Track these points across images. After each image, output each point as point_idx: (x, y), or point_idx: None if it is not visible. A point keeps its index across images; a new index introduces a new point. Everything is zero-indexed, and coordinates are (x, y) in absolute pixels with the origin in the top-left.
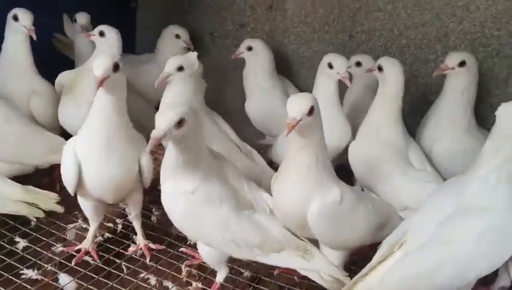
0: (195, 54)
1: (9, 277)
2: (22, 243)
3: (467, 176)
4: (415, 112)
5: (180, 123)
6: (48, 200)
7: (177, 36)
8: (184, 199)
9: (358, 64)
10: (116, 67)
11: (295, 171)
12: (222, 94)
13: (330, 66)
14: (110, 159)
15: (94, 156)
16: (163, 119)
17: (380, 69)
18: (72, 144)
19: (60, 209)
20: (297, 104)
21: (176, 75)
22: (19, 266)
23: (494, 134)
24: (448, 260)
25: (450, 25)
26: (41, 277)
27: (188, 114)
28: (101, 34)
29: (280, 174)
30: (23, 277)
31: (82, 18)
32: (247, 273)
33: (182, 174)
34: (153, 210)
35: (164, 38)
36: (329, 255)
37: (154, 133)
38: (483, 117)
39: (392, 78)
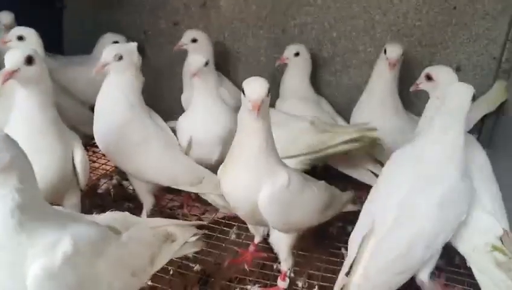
0: (135, 44)
1: None
2: None
3: (415, 147)
4: (348, 100)
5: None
6: None
7: (116, 43)
8: None
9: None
10: (29, 60)
11: (246, 157)
12: (158, 92)
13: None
14: (36, 159)
15: None
16: None
17: (429, 78)
18: None
19: None
20: (258, 86)
21: (113, 64)
22: None
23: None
24: (417, 236)
25: (376, 17)
26: None
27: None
28: (20, 38)
29: (229, 162)
30: None
31: (5, 17)
32: (197, 267)
33: None
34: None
35: (102, 45)
36: (281, 240)
37: None
38: (410, 103)
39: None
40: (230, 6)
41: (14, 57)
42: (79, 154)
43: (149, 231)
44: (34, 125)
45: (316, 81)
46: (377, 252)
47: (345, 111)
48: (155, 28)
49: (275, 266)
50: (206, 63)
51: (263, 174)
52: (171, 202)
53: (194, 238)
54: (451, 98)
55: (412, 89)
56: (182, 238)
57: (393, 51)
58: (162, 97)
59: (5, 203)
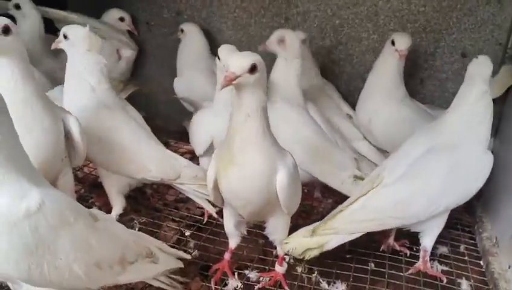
0: (86, 28)
1: None
2: None
3: (438, 119)
4: (352, 89)
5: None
6: None
7: (121, 19)
8: None
9: None
10: (6, 30)
11: (252, 142)
12: (161, 83)
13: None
14: (22, 133)
15: None
16: None
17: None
18: None
19: None
20: (239, 60)
21: (63, 42)
22: None
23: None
24: (421, 191)
25: (379, 3)
26: None
27: None
28: (17, 6)
29: (232, 153)
30: None
31: None
32: (195, 253)
33: None
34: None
35: (108, 21)
36: (279, 224)
37: None
38: (415, 91)
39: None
40: None
41: None
42: (74, 126)
43: (129, 234)
44: (17, 97)
45: (320, 69)
46: (381, 193)
47: (348, 100)
48: (158, 18)
49: (274, 252)
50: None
51: (275, 155)
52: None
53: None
54: (472, 69)
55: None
56: (163, 266)
57: (404, 43)
58: (164, 87)
59: None
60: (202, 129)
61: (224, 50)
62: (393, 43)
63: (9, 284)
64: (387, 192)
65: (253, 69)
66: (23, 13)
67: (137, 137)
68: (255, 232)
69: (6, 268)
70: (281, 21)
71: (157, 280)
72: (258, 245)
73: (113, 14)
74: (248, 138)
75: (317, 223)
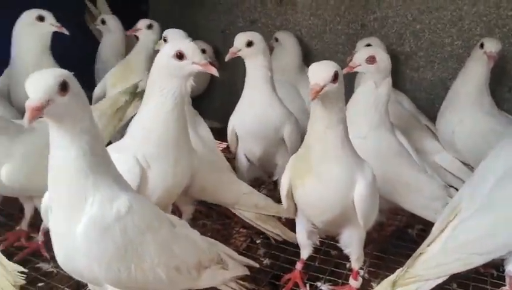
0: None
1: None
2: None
3: None
4: (432, 97)
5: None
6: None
7: (203, 51)
8: None
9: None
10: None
11: (331, 153)
12: (235, 93)
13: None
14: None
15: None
16: None
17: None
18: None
19: None
20: (321, 70)
21: (244, 50)
22: (34, 259)
23: None
24: (502, 222)
25: (464, 7)
26: (57, 270)
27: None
28: (103, 21)
29: (308, 164)
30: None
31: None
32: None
33: None
34: None
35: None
36: (354, 237)
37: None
38: (503, 99)
39: None
40: (308, 2)
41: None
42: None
43: (203, 241)
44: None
45: (397, 77)
46: (459, 229)
47: (428, 108)
48: (233, 27)
49: (347, 265)
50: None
51: (354, 166)
52: None
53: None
54: None
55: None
56: (232, 273)
57: (494, 45)
58: (238, 95)
59: (80, 145)
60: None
61: (171, 34)
62: (482, 46)
63: (90, 286)
64: (466, 227)
65: (336, 77)
66: (109, 28)
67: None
68: (328, 243)
69: (98, 272)
70: (357, 28)
71: (226, 285)
72: (330, 257)
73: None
74: (327, 149)
75: (398, 270)
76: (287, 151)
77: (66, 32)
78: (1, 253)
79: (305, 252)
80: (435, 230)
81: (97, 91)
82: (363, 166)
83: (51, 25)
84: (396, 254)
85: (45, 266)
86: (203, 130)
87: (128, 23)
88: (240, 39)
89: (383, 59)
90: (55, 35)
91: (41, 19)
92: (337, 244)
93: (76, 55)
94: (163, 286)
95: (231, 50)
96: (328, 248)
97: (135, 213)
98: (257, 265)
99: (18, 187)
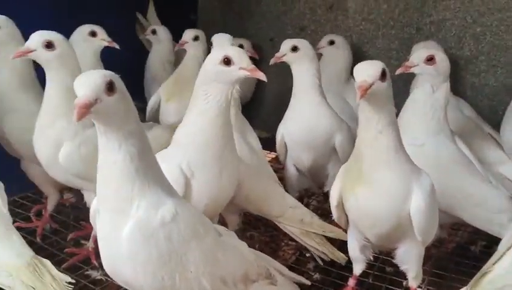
0: None
1: (75, 277)
2: (88, 245)
3: None
4: (495, 104)
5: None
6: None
7: (240, 46)
8: None
9: None
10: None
11: (383, 159)
12: (284, 102)
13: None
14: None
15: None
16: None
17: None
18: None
19: None
20: (368, 67)
21: (288, 55)
22: (83, 266)
23: None
24: None
25: None
26: (106, 278)
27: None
28: (153, 32)
29: (359, 172)
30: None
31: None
32: (316, 276)
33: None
34: None
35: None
36: (412, 253)
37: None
38: None
39: None
40: (359, 7)
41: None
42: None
43: (251, 253)
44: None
45: (456, 83)
46: None
47: (490, 116)
48: (281, 34)
49: (404, 283)
50: None
51: (409, 175)
52: None
53: None
54: None
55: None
56: (281, 289)
57: None
58: (286, 103)
59: (127, 148)
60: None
61: (217, 39)
62: None
63: None
64: None
65: (383, 75)
66: (158, 38)
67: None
68: (382, 258)
69: (143, 279)
70: (412, 32)
71: None
72: (385, 273)
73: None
74: (379, 156)
75: None
76: (339, 160)
77: (117, 46)
78: (50, 262)
79: (358, 268)
80: (501, 247)
81: (151, 104)
82: (420, 175)
83: (102, 40)
84: (458, 272)
85: (94, 274)
86: (251, 138)
87: (177, 33)
88: (286, 44)
89: (443, 60)
90: (106, 47)
91: (93, 34)
92: (393, 260)
93: (126, 66)
94: None
95: (276, 55)
96: (382, 264)
97: (180, 220)
98: (308, 282)
99: (73, 170)
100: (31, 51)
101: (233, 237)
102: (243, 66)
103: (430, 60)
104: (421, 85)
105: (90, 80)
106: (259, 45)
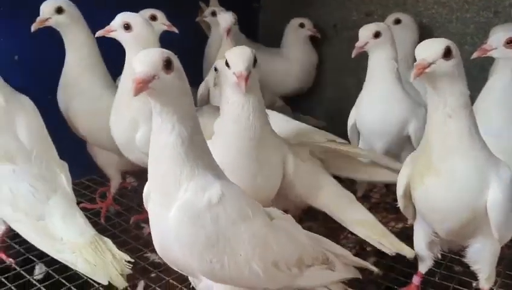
0: None
1: (134, 258)
2: (147, 228)
3: None
4: None
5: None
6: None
7: (301, 25)
8: None
9: None
10: (255, 61)
11: (455, 146)
12: (343, 92)
13: None
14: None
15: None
16: None
17: None
18: None
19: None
20: (429, 45)
21: (371, 41)
22: (143, 249)
23: None
24: None
25: None
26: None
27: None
28: (213, 13)
29: (428, 160)
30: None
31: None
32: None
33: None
34: None
35: (288, 30)
36: (486, 252)
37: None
38: None
39: None
40: None
41: (248, 59)
42: (291, 166)
43: (305, 236)
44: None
45: None
46: None
47: None
48: (345, 21)
49: (474, 284)
50: None
51: (485, 164)
52: None
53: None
54: None
55: None
56: (340, 275)
57: None
58: (348, 93)
59: (179, 131)
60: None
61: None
62: None
63: (190, 278)
64: None
65: (448, 53)
66: (218, 20)
67: None
68: (450, 257)
69: (191, 261)
70: (489, 15)
71: (329, 288)
72: (454, 273)
73: (293, 22)
74: (450, 143)
75: None
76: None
77: (176, 31)
78: (111, 241)
79: (423, 265)
80: None
81: (201, 90)
82: (499, 165)
83: (162, 24)
84: None
85: (153, 256)
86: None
87: (240, 21)
88: (366, 32)
89: None
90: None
91: (153, 18)
92: (463, 259)
93: (186, 52)
94: (260, 281)
95: (357, 45)
96: (451, 263)
97: (227, 202)
98: (375, 269)
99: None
100: (112, 31)
101: (289, 221)
102: (235, 72)
103: (511, 42)
104: (500, 71)
105: (149, 57)
106: (322, 31)
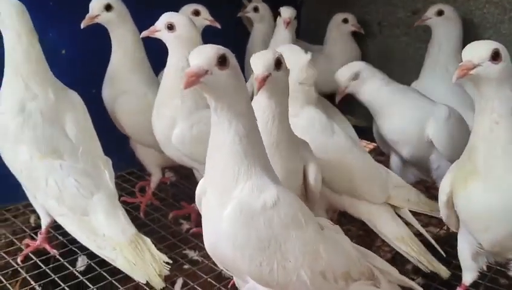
0: None
1: (173, 255)
2: (185, 225)
3: None
4: None
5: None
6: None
7: (345, 20)
8: None
9: None
10: (278, 64)
11: (501, 154)
12: None
13: None
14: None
15: None
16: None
17: None
18: None
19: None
20: (476, 47)
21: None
22: (181, 246)
23: None
24: None
25: None
26: (202, 259)
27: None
28: (256, 9)
29: (472, 166)
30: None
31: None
32: (418, 280)
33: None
34: None
35: (331, 26)
36: None
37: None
38: None
39: None
40: None
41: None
42: (312, 173)
43: (354, 249)
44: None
45: None
46: None
47: None
48: (391, 18)
49: None
50: None
51: None
52: None
53: None
54: None
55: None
56: None
57: None
58: None
59: (237, 128)
60: None
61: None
62: None
63: (234, 279)
64: None
65: (496, 56)
66: (260, 16)
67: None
68: (496, 269)
69: (240, 262)
70: None
71: None
72: (499, 285)
73: (337, 18)
74: (496, 150)
75: None
76: None
77: (218, 26)
78: (150, 240)
79: (468, 276)
80: None
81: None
82: None
83: (204, 19)
84: None
85: (191, 254)
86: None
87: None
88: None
89: None
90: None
91: (196, 13)
92: (509, 273)
93: (228, 47)
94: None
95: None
96: (496, 275)
97: (282, 207)
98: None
99: (185, 151)
100: (157, 31)
101: (338, 232)
102: (255, 74)
103: None
104: None
105: (204, 52)
106: (366, 28)
